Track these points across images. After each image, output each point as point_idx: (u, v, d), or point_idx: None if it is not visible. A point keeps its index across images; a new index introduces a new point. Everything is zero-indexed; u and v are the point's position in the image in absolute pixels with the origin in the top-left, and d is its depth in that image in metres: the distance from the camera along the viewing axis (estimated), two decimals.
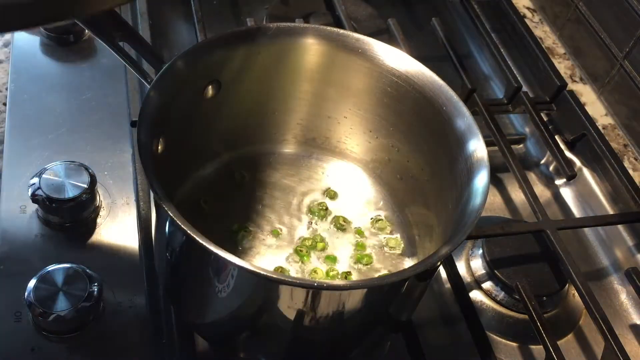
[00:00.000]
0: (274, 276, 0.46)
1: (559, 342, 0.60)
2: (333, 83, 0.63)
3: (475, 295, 0.67)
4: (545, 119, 0.80)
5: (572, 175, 0.73)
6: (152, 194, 0.63)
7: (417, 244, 0.63)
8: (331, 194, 0.66)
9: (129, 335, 0.58)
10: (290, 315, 0.49)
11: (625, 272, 0.67)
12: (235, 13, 0.91)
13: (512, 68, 0.81)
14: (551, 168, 0.80)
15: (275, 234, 0.62)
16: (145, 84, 0.55)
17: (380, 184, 0.67)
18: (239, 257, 0.45)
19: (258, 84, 0.62)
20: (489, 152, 0.54)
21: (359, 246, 0.62)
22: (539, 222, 0.67)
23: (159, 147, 0.54)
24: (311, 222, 0.64)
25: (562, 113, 0.82)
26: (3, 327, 0.57)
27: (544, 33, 0.97)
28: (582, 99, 0.87)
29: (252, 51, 0.59)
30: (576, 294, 0.66)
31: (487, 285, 0.67)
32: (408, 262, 0.62)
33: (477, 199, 0.51)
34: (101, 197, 0.66)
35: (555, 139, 0.76)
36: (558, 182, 0.80)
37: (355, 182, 0.67)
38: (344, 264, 0.61)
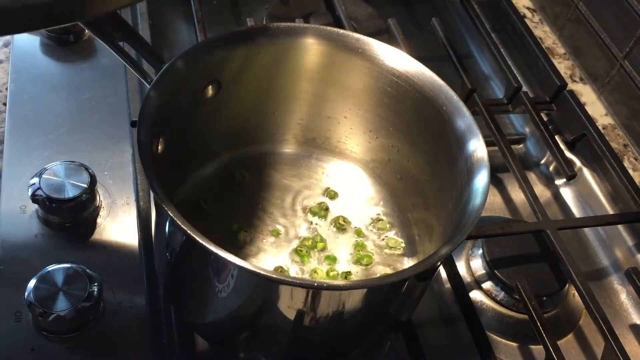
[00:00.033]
0: (274, 276, 0.46)
1: (559, 342, 0.60)
2: (333, 83, 0.63)
3: (475, 295, 0.67)
4: (545, 119, 0.80)
5: (572, 175, 0.73)
6: (152, 194, 0.63)
7: (417, 244, 0.63)
8: (331, 194, 0.66)
9: (129, 335, 0.58)
10: (290, 315, 0.49)
11: (625, 272, 0.67)
12: (235, 13, 0.91)
13: (512, 68, 0.81)
14: (551, 168, 0.80)
15: (275, 234, 0.62)
16: (145, 84, 0.55)
17: (380, 184, 0.67)
18: (239, 257, 0.44)
19: (258, 84, 0.62)
20: (489, 152, 0.54)
21: (359, 246, 0.62)
22: (539, 222, 0.67)
23: (159, 147, 0.54)
24: (311, 222, 0.64)
25: (562, 113, 0.82)
26: (3, 327, 0.57)
27: (544, 33, 0.97)
28: (582, 99, 0.87)
29: (252, 51, 0.59)
30: (576, 294, 0.66)
31: (487, 285, 0.67)
32: (408, 262, 0.62)
33: (477, 199, 0.51)
34: (101, 197, 0.66)
35: (555, 139, 0.76)
36: (558, 182, 0.80)
37: (355, 182, 0.67)
38: (344, 264, 0.61)
